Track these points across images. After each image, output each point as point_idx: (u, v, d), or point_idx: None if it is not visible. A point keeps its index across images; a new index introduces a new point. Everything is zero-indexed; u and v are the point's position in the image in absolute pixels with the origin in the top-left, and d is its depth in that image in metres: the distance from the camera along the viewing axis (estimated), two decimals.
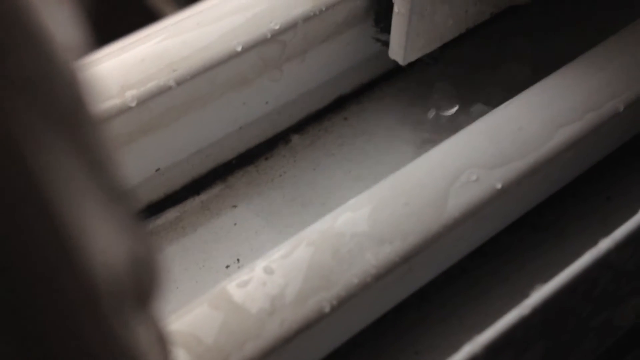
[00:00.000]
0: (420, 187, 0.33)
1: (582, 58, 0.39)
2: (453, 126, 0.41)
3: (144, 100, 0.36)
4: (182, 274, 0.37)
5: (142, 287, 0.17)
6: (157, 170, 0.39)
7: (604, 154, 0.39)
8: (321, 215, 0.33)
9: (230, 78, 0.38)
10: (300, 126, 0.43)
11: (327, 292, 0.30)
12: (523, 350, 0.31)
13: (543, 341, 0.32)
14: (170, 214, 0.39)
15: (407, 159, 0.40)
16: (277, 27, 0.38)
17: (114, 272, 0.15)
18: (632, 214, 0.33)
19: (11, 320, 0.13)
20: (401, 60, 0.40)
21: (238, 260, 0.37)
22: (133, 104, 0.36)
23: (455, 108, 0.42)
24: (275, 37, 0.39)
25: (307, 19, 0.39)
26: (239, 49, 0.38)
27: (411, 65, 0.42)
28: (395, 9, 0.38)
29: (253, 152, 0.41)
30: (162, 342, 0.19)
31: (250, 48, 0.38)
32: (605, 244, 0.31)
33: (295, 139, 0.42)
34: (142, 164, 0.38)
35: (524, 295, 0.30)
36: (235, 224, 0.39)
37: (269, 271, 0.30)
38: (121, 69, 0.36)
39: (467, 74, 0.45)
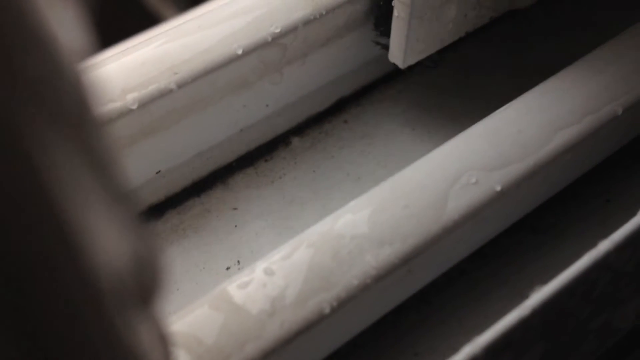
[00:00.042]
0: (420, 190, 0.33)
1: (581, 61, 0.39)
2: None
3: (145, 103, 0.36)
4: (182, 276, 0.37)
5: (145, 286, 0.17)
6: (158, 172, 0.39)
7: (603, 157, 0.40)
8: (321, 217, 0.33)
9: (230, 81, 0.38)
10: (301, 129, 0.43)
11: (327, 293, 0.30)
12: (523, 351, 0.31)
13: (543, 342, 0.32)
14: (171, 216, 0.39)
15: (406, 161, 0.40)
16: (277, 30, 0.39)
17: (116, 270, 0.15)
18: (631, 216, 0.33)
19: (13, 317, 0.13)
20: (401, 64, 0.41)
21: (238, 262, 0.38)
22: (134, 107, 0.36)
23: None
24: (275, 41, 0.39)
25: (308, 22, 0.39)
26: (240, 52, 0.38)
27: (411, 68, 0.42)
28: (395, 13, 0.39)
29: (253, 154, 0.42)
30: (164, 342, 0.19)
31: (250, 51, 0.38)
32: (604, 246, 0.31)
33: (296, 141, 0.42)
34: (142, 167, 0.38)
35: (524, 296, 0.30)
36: (235, 225, 0.39)
37: (269, 272, 0.30)
38: (122, 72, 0.37)
39: (467, 77, 0.45)
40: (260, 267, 0.31)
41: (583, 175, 0.39)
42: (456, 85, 0.44)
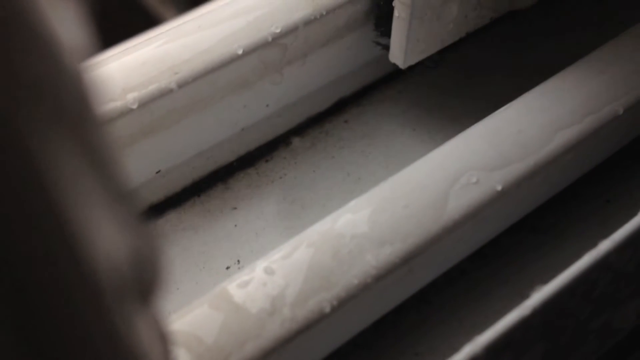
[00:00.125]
0: (420, 189, 0.33)
1: (582, 61, 0.39)
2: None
3: (145, 103, 0.36)
4: (182, 276, 0.37)
5: (145, 284, 0.17)
6: (158, 172, 0.39)
7: (603, 157, 0.40)
8: (321, 217, 0.33)
9: (231, 81, 0.38)
10: (301, 129, 0.43)
11: (328, 292, 0.30)
12: (523, 351, 0.31)
13: (543, 342, 0.32)
14: (171, 216, 0.39)
15: (407, 161, 0.40)
16: (278, 30, 0.39)
17: (116, 269, 0.15)
18: (631, 216, 0.33)
19: (13, 314, 0.13)
20: (401, 64, 0.41)
21: (238, 261, 0.38)
22: (134, 107, 0.36)
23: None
24: (276, 41, 0.39)
25: (308, 22, 0.40)
26: (240, 52, 0.38)
27: (411, 68, 0.42)
28: (396, 13, 0.39)
29: (253, 154, 0.42)
30: (164, 341, 0.19)
31: (251, 51, 0.38)
32: (604, 246, 0.31)
33: (296, 141, 0.42)
34: (143, 166, 0.38)
35: (524, 296, 0.30)
36: (235, 225, 0.39)
37: (269, 272, 0.31)
38: (123, 72, 0.37)
39: (467, 77, 0.45)
40: (260, 266, 0.31)
41: (583, 175, 0.39)
42: (457, 85, 0.45)
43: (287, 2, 0.40)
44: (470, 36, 0.43)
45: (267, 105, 0.41)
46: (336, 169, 0.41)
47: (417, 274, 0.33)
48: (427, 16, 0.39)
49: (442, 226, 0.32)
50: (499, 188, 0.34)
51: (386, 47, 0.41)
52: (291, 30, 0.39)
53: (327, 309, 0.30)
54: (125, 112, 0.36)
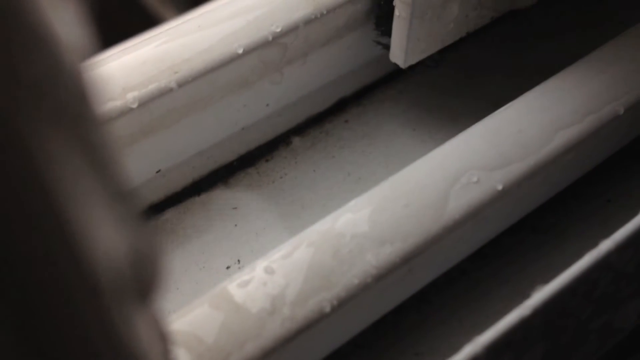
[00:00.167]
0: (421, 189, 0.33)
1: (582, 61, 0.39)
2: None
3: (145, 102, 0.36)
4: (182, 275, 0.37)
5: (144, 283, 0.17)
6: (158, 171, 0.39)
7: (604, 157, 0.40)
8: (321, 217, 0.33)
9: (231, 80, 0.38)
10: (301, 128, 0.43)
11: (328, 292, 0.30)
12: (523, 351, 0.31)
13: (543, 342, 0.32)
14: (171, 216, 0.39)
15: (407, 161, 0.40)
16: (278, 30, 0.39)
17: (116, 268, 0.15)
18: (632, 216, 0.33)
19: (13, 313, 0.13)
20: (402, 64, 0.41)
21: (238, 261, 0.38)
22: (134, 106, 0.36)
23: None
24: (276, 40, 0.39)
25: (308, 22, 0.39)
26: (240, 51, 0.38)
27: (412, 68, 0.42)
28: (396, 13, 0.39)
29: (254, 153, 0.42)
30: (163, 340, 0.19)
31: (251, 51, 0.38)
32: (605, 246, 0.31)
33: (296, 141, 0.42)
34: (143, 166, 0.38)
35: (525, 296, 0.30)
36: (235, 225, 0.39)
37: (269, 271, 0.30)
38: (123, 71, 0.37)
39: (468, 77, 0.45)
40: (260, 265, 0.31)
41: (584, 175, 0.39)
42: (457, 85, 0.44)
43: (287, 1, 0.40)
44: (470, 36, 0.43)
45: (267, 105, 0.41)
46: (336, 168, 0.41)
47: (417, 274, 0.33)
48: (427, 15, 0.39)
49: (442, 226, 0.32)
50: (500, 188, 0.34)
51: (387, 47, 0.41)
52: (291, 30, 0.39)
53: (327, 309, 0.30)
54: (125, 112, 0.36)
